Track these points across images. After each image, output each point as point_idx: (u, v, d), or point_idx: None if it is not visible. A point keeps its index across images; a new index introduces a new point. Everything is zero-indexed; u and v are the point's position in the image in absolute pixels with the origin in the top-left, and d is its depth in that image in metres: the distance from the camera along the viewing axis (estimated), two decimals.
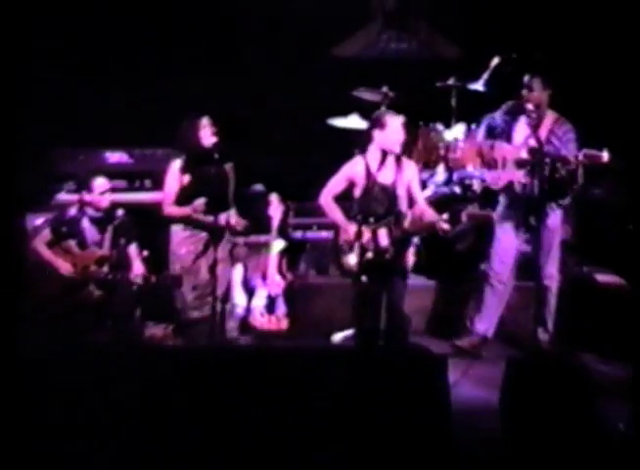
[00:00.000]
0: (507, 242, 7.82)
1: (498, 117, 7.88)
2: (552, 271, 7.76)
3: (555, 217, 7.75)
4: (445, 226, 7.17)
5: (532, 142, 7.62)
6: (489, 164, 7.87)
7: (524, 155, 7.60)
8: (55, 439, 4.88)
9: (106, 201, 7.93)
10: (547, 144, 7.61)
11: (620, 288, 8.27)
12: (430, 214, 7.33)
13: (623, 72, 9.37)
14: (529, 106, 7.58)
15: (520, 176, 7.63)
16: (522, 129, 7.73)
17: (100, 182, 7.94)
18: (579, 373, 5.40)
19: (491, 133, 7.86)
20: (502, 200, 7.87)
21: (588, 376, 5.41)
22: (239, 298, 8.33)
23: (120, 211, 8.09)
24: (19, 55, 9.02)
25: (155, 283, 7.78)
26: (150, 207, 8.67)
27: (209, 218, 7.39)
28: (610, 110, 9.17)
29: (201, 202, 7.39)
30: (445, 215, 7.21)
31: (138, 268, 7.95)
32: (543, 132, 7.63)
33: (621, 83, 9.37)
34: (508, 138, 7.76)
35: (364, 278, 7.46)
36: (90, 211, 7.96)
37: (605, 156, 7.21)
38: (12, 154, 8.80)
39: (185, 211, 7.48)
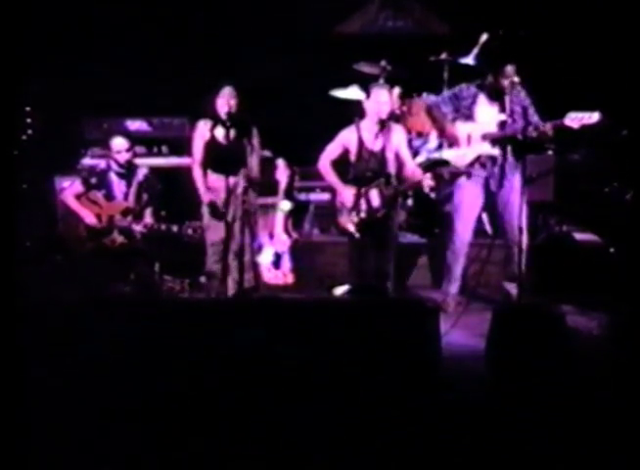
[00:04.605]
0: (471, 205, 7.73)
1: (468, 91, 7.73)
2: (522, 228, 7.66)
3: (517, 180, 7.54)
4: (431, 182, 7.35)
5: (501, 117, 7.60)
6: (450, 141, 7.77)
7: (493, 129, 7.59)
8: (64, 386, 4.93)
9: (123, 157, 7.98)
10: (512, 115, 7.59)
11: (597, 246, 8.31)
12: (418, 174, 7.50)
13: (603, 44, 9.36)
14: (505, 82, 7.52)
15: (488, 149, 7.62)
16: (485, 108, 7.65)
17: (117, 141, 8.03)
18: (558, 322, 5.47)
19: (456, 101, 7.78)
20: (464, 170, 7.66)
21: (566, 324, 5.48)
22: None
23: (145, 169, 8.15)
24: (51, 36, 9.11)
25: (173, 239, 7.87)
26: (167, 170, 8.76)
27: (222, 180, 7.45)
28: (590, 80, 9.16)
29: (207, 196, 7.48)
30: (429, 174, 7.38)
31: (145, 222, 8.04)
32: (507, 105, 7.60)
33: (600, 55, 9.36)
34: (470, 116, 7.68)
35: (357, 236, 7.64)
36: (115, 166, 8.01)
37: (595, 116, 7.19)
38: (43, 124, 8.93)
39: (198, 185, 7.54)
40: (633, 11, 8.90)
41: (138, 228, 7.85)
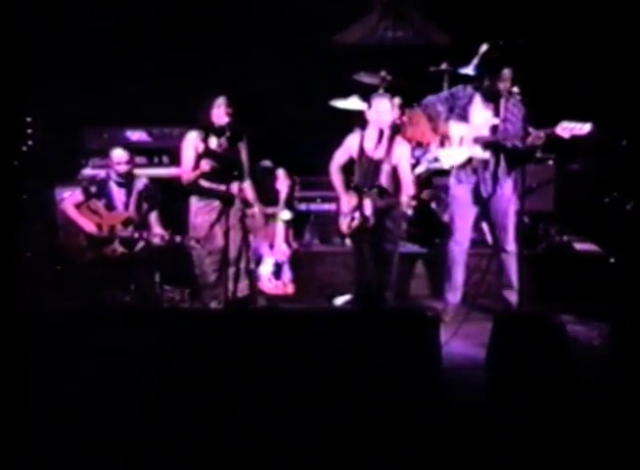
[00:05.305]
0: (464, 213, 7.71)
1: (464, 92, 7.73)
2: (513, 237, 7.58)
3: (508, 186, 7.61)
4: (411, 203, 7.38)
5: (494, 121, 7.59)
6: (442, 140, 7.76)
7: (485, 133, 7.60)
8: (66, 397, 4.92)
9: (123, 168, 7.99)
10: (505, 121, 7.58)
11: (597, 255, 8.32)
12: (405, 192, 7.49)
13: (602, 53, 9.39)
14: (501, 86, 7.52)
15: (479, 152, 7.61)
16: (479, 110, 7.64)
17: (117, 153, 8.02)
18: (558, 331, 5.46)
19: (452, 100, 7.76)
20: (455, 173, 7.74)
21: (566, 334, 5.48)
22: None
23: (145, 179, 8.16)
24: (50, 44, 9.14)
25: (173, 249, 7.86)
26: (167, 180, 8.76)
27: (221, 188, 7.45)
28: (590, 89, 9.19)
29: (206, 163, 7.47)
30: (411, 193, 7.43)
31: (157, 232, 8.01)
32: (501, 111, 7.61)
33: (599, 64, 9.39)
34: (464, 117, 7.68)
35: (348, 242, 7.71)
36: (114, 175, 8.02)
37: (586, 127, 7.17)
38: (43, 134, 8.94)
39: (196, 173, 7.55)
40: (634, 19, 8.92)
41: (156, 240, 7.85)
